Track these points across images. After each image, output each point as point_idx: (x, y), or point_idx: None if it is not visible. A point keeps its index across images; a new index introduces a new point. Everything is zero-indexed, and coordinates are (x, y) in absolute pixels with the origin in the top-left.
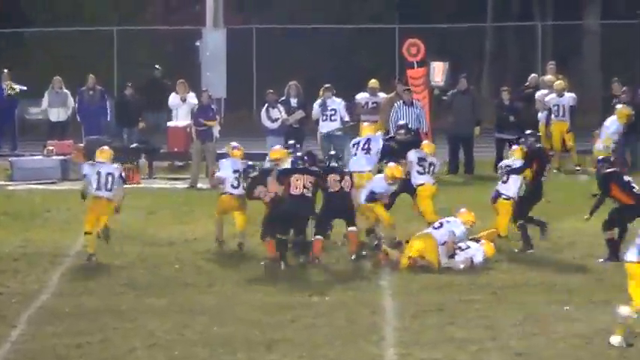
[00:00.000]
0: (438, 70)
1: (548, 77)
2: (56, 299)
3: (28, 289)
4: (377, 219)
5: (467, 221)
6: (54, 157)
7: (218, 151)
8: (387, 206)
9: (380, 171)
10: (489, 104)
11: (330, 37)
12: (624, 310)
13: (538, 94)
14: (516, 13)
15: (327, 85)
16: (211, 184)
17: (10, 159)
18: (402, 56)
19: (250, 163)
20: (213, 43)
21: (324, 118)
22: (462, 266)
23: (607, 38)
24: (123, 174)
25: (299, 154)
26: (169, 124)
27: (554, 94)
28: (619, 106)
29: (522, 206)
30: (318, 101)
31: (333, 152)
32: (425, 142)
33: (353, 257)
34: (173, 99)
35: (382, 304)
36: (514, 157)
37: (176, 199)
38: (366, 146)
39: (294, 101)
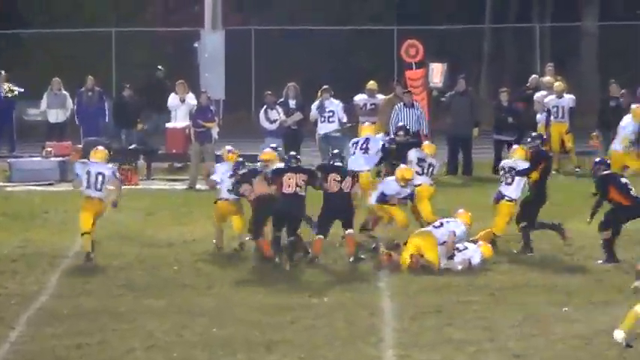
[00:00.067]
0: (437, 72)
1: (547, 79)
2: (55, 300)
3: (27, 290)
4: (390, 219)
5: (465, 222)
6: (52, 159)
7: (217, 152)
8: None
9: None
10: (488, 105)
11: (329, 38)
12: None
13: (537, 95)
14: (514, 14)
15: (325, 87)
16: (208, 185)
17: (8, 160)
18: (400, 57)
19: (240, 159)
20: (211, 44)
21: (323, 119)
22: (460, 267)
23: (605, 40)
24: (117, 173)
25: (292, 152)
26: (168, 125)
27: (553, 96)
28: (634, 106)
29: (527, 209)
30: (316, 103)
31: (336, 151)
32: (426, 143)
33: (351, 259)
34: (172, 100)
35: (381, 306)
36: (515, 158)
37: (175, 201)
38: (365, 146)
39: (292, 102)
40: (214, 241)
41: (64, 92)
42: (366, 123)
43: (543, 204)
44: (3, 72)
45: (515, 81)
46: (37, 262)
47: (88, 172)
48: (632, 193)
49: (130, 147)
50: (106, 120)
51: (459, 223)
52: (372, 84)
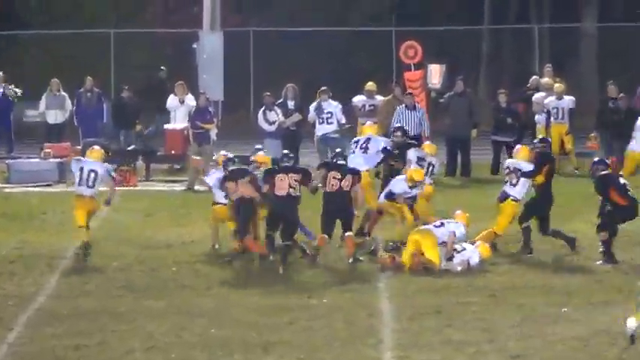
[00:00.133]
0: (435, 73)
1: (546, 80)
2: (53, 301)
3: (25, 291)
4: (402, 217)
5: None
6: (51, 160)
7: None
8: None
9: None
10: (486, 106)
11: (328, 39)
12: None
13: (536, 96)
14: (513, 15)
15: (323, 88)
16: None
17: (7, 161)
18: (399, 59)
19: (231, 155)
20: (210, 45)
21: (321, 121)
22: (459, 269)
23: (604, 41)
24: (112, 173)
25: (285, 151)
26: (167, 126)
27: (553, 97)
28: None
29: (530, 210)
30: (314, 104)
31: (338, 149)
32: (427, 143)
33: (350, 260)
34: (171, 101)
35: (379, 307)
36: (519, 158)
37: (173, 202)
38: (365, 145)
39: (291, 104)
40: (216, 246)
41: (63, 93)
42: (368, 122)
43: (549, 205)
44: (1, 73)
45: (514, 82)
46: (35, 264)
47: (81, 169)
48: (629, 194)
49: (129, 148)
50: (105, 121)
51: (459, 224)
52: (370, 85)
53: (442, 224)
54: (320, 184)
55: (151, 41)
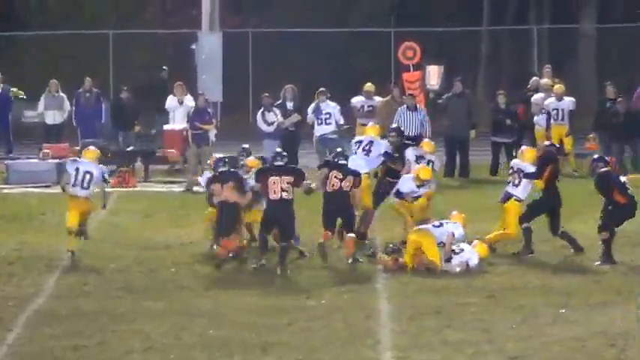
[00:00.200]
0: (434, 74)
1: (545, 80)
2: (52, 302)
3: (24, 292)
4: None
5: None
6: (50, 161)
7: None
8: (375, 204)
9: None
10: (485, 107)
11: (327, 40)
12: None
13: (535, 97)
14: (512, 16)
15: (321, 89)
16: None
17: (5, 162)
18: (398, 59)
19: (221, 155)
20: (209, 46)
21: (319, 121)
22: (458, 270)
23: (602, 42)
24: (106, 176)
25: (278, 149)
26: (165, 127)
27: (553, 98)
28: None
29: (533, 210)
30: (312, 106)
31: (339, 149)
32: (425, 140)
33: (349, 261)
34: (170, 101)
35: (378, 308)
36: (525, 160)
37: (172, 203)
38: (368, 147)
39: (290, 104)
40: (214, 247)
41: (62, 94)
42: (371, 123)
43: (552, 206)
44: (0, 73)
45: (513, 83)
46: (34, 264)
47: (77, 170)
48: (629, 192)
49: (128, 149)
50: (104, 122)
51: (457, 225)
52: (369, 86)
53: (441, 224)
54: (313, 185)
55: (150, 42)
